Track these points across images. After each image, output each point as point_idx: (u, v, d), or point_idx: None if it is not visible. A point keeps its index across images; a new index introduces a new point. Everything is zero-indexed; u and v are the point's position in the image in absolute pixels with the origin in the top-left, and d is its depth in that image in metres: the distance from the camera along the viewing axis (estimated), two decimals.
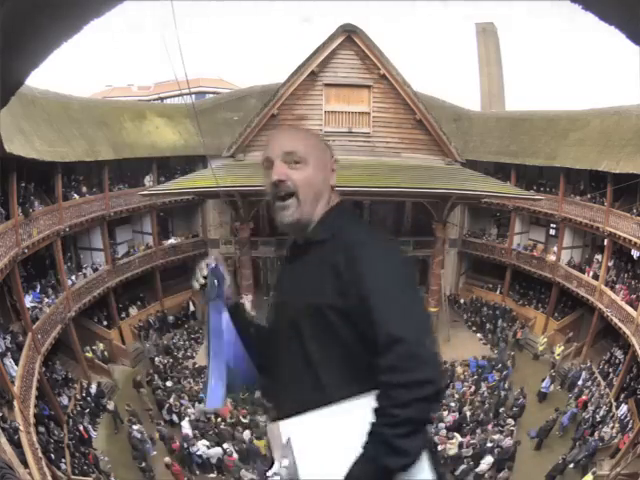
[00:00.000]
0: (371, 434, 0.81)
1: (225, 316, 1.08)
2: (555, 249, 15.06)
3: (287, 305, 1.03)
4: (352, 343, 0.90)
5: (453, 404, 11.15)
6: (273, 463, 0.93)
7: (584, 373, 12.53)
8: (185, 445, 9.48)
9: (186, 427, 9.96)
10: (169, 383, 12.09)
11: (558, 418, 10.79)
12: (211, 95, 21.89)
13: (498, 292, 16.71)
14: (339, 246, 0.95)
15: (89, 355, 12.72)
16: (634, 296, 11.89)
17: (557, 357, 13.51)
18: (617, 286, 12.72)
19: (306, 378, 0.95)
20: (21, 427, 7.62)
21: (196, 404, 11.07)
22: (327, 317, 0.91)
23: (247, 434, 9.68)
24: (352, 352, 0.91)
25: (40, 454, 7.63)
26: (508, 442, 9.48)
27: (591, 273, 13.81)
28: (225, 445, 9.36)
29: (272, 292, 1.15)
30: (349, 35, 13.01)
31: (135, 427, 9.95)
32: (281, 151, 1.01)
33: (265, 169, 1.04)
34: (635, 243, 11.75)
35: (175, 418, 10.70)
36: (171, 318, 15.56)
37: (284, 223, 1.03)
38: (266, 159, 1.03)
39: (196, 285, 1.07)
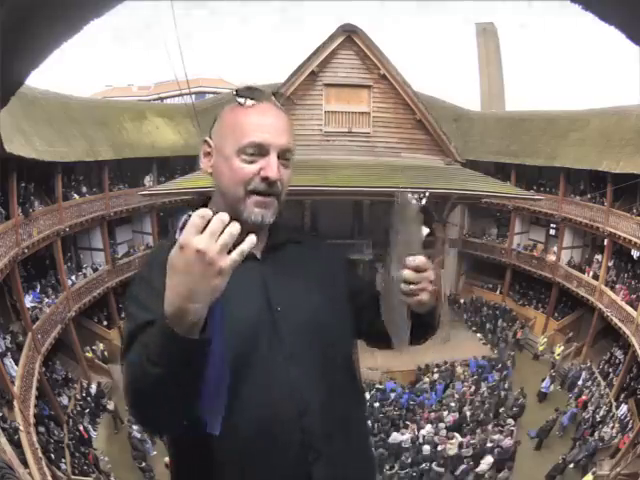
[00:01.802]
0: None
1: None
2: (555, 249, 15.05)
3: (314, 308, 0.91)
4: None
5: (453, 404, 11.14)
6: None
7: (584, 373, 12.53)
8: None
9: None
10: None
11: (558, 418, 10.79)
12: (211, 95, 21.89)
13: (498, 292, 16.70)
14: (322, 245, 1.07)
15: (89, 355, 12.71)
16: (634, 296, 11.89)
17: (557, 357, 13.50)
18: (617, 286, 12.71)
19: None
20: (21, 427, 7.63)
21: None
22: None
23: None
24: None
25: (40, 454, 7.63)
26: (508, 442, 9.47)
27: (591, 273, 13.81)
28: None
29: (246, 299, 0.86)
30: (349, 35, 13.00)
31: (135, 427, 9.94)
32: (281, 144, 0.85)
33: (242, 153, 0.84)
34: (635, 243, 11.75)
35: None
36: None
37: (262, 222, 0.86)
38: (257, 145, 0.84)
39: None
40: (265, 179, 0.84)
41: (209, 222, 0.61)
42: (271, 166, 0.84)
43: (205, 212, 0.61)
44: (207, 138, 0.93)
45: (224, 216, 0.62)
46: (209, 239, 0.60)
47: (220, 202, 0.90)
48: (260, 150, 0.84)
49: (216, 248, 0.60)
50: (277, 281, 0.89)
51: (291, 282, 0.91)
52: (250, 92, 0.85)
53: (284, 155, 0.86)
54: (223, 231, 0.61)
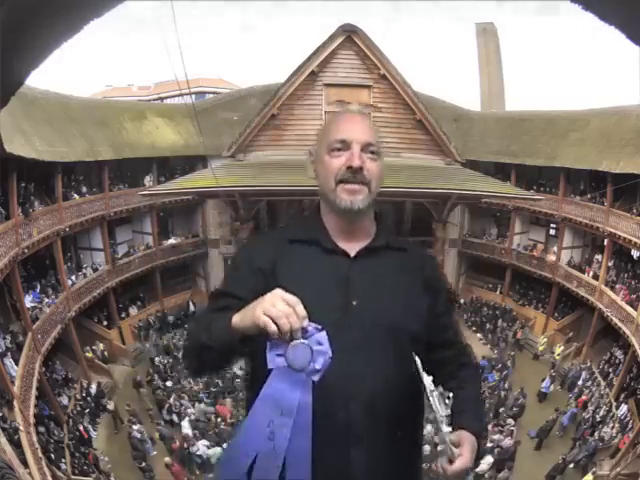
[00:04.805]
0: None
1: (307, 398, 0.81)
2: (555, 249, 15.05)
3: (390, 312, 0.98)
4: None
5: None
6: None
7: (584, 373, 12.53)
8: (185, 445, 9.48)
9: (186, 427, 9.96)
10: (169, 383, 12.09)
11: (558, 418, 10.79)
12: (211, 95, 21.89)
13: (498, 292, 16.70)
14: (423, 258, 1.12)
15: (89, 355, 12.72)
16: (634, 296, 11.89)
17: (557, 357, 13.51)
18: (617, 286, 12.71)
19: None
20: (21, 427, 7.62)
21: (196, 404, 11.07)
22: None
23: None
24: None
25: (40, 454, 7.62)
26: (508, 442, 9.47)
27: (591, 273, 13.81)
28: (225, 445, 9.35)
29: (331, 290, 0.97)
30: (349, 35, 13.00)
31: (135, 427, 9.95)
32: (362, 139, 0.98)
33: (331, 150, 0.99)
34: (635, 243, 11.75)
35: (175, 418, 10.69)
36: (171, 318, 15.53)
37: (352, 208, 0.97)
38: (341, 141, 0.98)
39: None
40: (349, 168, 0.97)
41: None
42: (354, 156, 0.97)
43: (295, 301, 0.77)
44: (310, 149, 1.08)
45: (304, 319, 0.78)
46: (287, 304, 0.77)
47: (323, 203, 1.05)
48: (344, 145, 0.98)
49: (282, 307, 0.76)
50: (361, 279, 0.99)
51: (375, 283, 1.00)
52: (338, 105, 0.99)
53: (368, 149, 0.99)
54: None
